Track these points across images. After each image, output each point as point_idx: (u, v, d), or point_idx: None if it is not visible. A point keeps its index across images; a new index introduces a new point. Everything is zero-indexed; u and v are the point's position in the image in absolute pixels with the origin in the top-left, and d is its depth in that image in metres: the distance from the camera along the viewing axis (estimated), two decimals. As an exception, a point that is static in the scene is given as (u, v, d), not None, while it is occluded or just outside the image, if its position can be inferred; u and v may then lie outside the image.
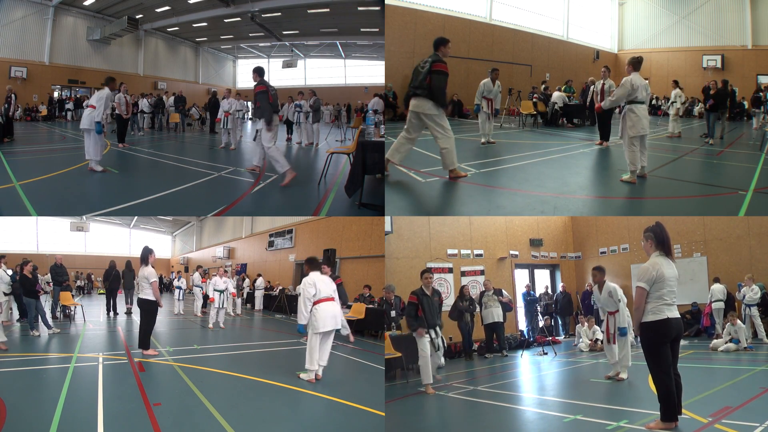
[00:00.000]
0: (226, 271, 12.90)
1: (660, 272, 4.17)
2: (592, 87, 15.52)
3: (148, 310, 7.41)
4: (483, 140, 11.02)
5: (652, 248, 4.33)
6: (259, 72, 8.39)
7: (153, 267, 7.40)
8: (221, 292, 11.60)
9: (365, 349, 8.69)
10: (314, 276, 6.02)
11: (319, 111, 14.90)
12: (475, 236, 12.13)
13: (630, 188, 7.43)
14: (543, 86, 16.81)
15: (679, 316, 4.24)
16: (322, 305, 5.91)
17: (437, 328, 6.85)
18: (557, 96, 15.49)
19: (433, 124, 6.70)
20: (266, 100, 8.11)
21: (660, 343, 4.15)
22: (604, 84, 11.45)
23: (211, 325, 11.32)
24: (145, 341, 7.38)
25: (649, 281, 4.17)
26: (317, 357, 5.95)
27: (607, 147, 10.99)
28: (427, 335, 6.66)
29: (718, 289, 9.98)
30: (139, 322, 7.64)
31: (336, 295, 6.12)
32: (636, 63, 7.32)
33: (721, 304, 9.82)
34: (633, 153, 7.25)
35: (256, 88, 8.26)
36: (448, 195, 7.03)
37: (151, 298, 7.33)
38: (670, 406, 4.12)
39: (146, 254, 7.35)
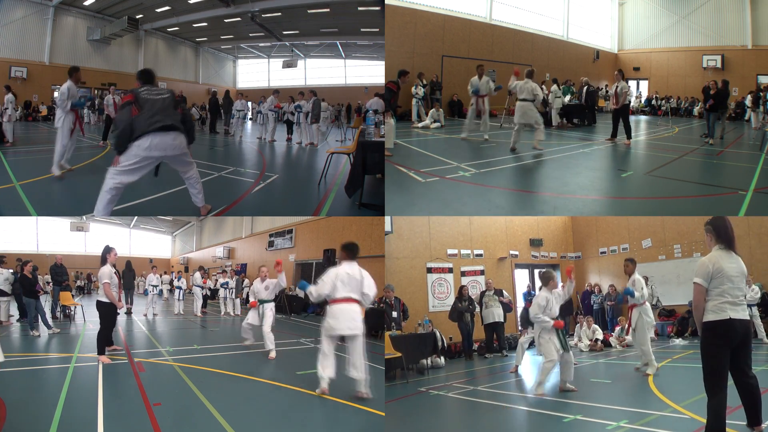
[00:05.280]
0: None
1: (718, 266, 3.78)
2: (586, 87, 15.72)
3: (103, 312, 7.11)
4: (463, 135, 11.34)
5: (712, 242, 3.96)
6: (141, 77, 5.77)
7: (113, 266, 7.17)
8: (262, 303, 8.12)
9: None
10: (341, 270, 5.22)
11: (319, 112, 14.89)
12: (475, 236, 12.12)
13: (630, 188, 7.42)
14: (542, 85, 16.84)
15: (746, 317, 3.78)
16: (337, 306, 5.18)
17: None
18: (556, 96, 15.51)
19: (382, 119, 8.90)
20: (126, 117, 5.27)
21: (719, 344, 3.71)
22: (617, 87, 11.34)
23: (247, 341, 8.47)
24: (100, 345, 7.01)
25: (705, 276, 3.78)
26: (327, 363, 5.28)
27: (614, 143, 11.44)
28: (529, 335, 8.14)
29: None
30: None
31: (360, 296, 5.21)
32: (530, 73, 9.64)
33: None
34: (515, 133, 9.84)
35: (123, 98, 5.78)
36: (447, 195, 7.03)
37: (105, 300, 7.07)
38: (717, 417, 3.62)
39: (104, 254, 7.15)
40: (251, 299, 8.50)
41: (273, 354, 7.54)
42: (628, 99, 11.99)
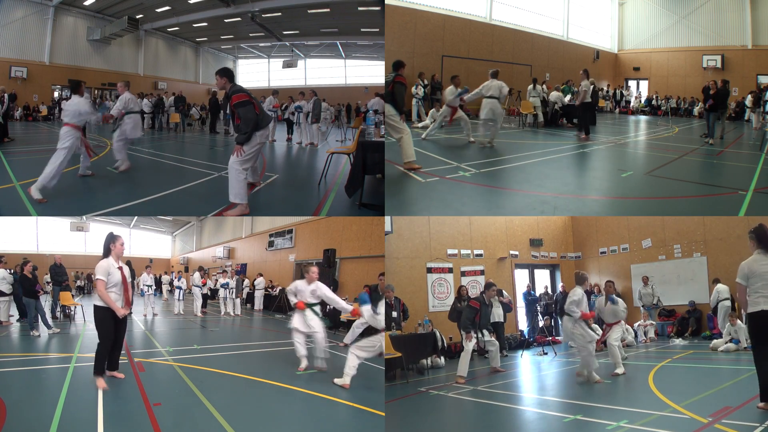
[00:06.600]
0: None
1: (752, 268, 4.68)
2: (592, 87, 15.78)
3: (98, 320, 5.46)
4: (423, 135, 11.63)
5: (754, 247, 4.79)
6: (228, 75, 6.31)
7: (117, 259, 5.53)
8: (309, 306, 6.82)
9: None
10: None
11: (320, 112, 14.89)
12: (475, 236, 12.12)
13: (630, 188, 7.41)
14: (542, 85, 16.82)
15: None
16: None
17: (485, 332, 7.85)
18: (555, 95, 15.50)
19: (390, 122, 7.85)
20: (253, 113, 6.11)
21: (753, 332, 4.64)
22: (581, 85, 12.46)
23: (303, 364, 6.66)
24: (96, 364, 5.38)
25: (743, 277, 4.71)
26: None
27: (587, 139, 12.02)
28: (474, 338, 7.58)
29: (724, 288, 9.84)
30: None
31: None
32: (494, 74, 10.47)
33: (729, 302, 9.71)
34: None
35: (235, 97, 6.13)
36: (448, 195, 7.03)
37: (101, 303, 5.39)
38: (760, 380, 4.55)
39: (107, 243, 5.52)
40: (295, 300, 6.84)
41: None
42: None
